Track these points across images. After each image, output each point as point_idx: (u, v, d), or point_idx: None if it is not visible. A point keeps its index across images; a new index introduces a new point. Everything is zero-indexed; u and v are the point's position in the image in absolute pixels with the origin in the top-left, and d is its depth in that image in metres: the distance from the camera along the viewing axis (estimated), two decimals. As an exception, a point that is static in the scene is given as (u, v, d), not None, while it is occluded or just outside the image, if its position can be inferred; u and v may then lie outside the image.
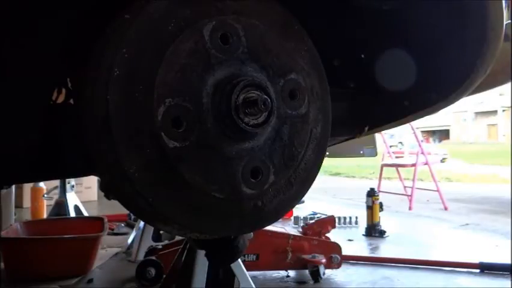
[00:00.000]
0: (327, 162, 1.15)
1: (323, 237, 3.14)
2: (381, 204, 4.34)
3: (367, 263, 3.36)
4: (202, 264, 1.87)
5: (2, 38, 0.86)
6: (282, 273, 3.05)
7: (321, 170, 1.06)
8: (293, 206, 1.07)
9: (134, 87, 0.82)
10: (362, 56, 1.25)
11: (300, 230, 3.38)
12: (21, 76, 0.90)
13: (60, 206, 4.46)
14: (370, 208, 4.33)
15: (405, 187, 6.47)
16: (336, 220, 3.53)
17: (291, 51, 0.99)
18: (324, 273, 2.89)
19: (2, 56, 0.87)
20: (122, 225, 4.50)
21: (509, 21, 1.41)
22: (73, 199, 4.57)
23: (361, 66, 1.26)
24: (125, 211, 3.96)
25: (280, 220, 1.26)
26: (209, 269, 1.88)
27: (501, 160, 12.00)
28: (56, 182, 4.63)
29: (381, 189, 5.98)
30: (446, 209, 5.91)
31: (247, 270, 2.02)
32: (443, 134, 37.63)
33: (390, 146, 7.55)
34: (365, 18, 1.16)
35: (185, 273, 1.93)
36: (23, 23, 0.86)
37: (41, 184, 4.96)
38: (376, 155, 4.67)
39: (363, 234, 4.32)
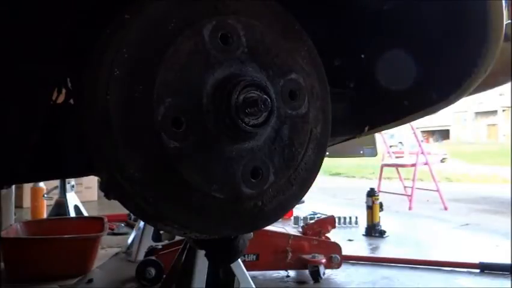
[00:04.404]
0: (327, 162, 1.14)
1: (323, 237, 3.14)
2: (381, 204, 4.34)
3: (367, 263, 3.36)
4: (202, 264, 1.87)
5: (2, 38, 0.86)
6: (282, 273, 3.05)
7: (321, 170, 1.06)
8: (293, 206, 1.07)
9: (134, 87, 0.82)
10: (362, 56, 1.25)
11: (300, 230, 3.38)
12: (22, 76, 0.90)
13: (60, 206, 4.46)
14: (370, 208, 4.33)
15: (405, 187, 6.47)
16: (336, 220, 3.53)
17: (291, 51, 0.99)
18: (324, 273, 2.89)
19: (2, 55, 0.87)
20: (122, 225, 4.50)
21: (509, 21, 1.41)
22: (73, 199, 4.57)
23: (361, 66, 1.26)
24: (125, 211, 3.96)
25: (280, 220, 1.26)
26: (209, 269, 1.88)
27: (501, 160, 12.01)
28: (56, 182, 4.63)
29: (381, 189, 5.98)
30: (446, 209, 5.91)
31: (247, 270, 2.02)
32: (443, 134, 37.61)
33: (390, 146, 7.55)
34: (365, 18, 1.16)
35: (185, 273, 1.93)
36: (23, 23, 0.86)
37: (41, 184, 4.96)
38: (376, 155, 4.67)
39: (363, 234, 4.32)
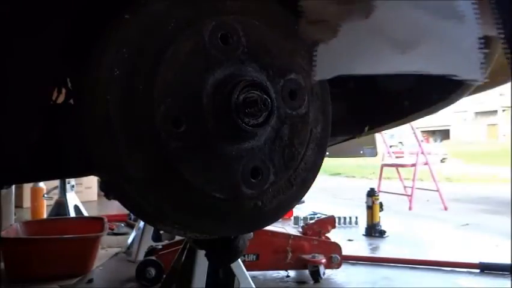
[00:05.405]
0: (327, 162, 1.14)
1: (323, 237, 3.14)
2: (381, 204, 4.34)
3: (367, 263, 3.36)
4: (202, 264, 1.87)
5: (2, 38, 0.86)
6: (282, 273, 3.05)
7: (321, 170, 1.06)
8: (293, 206, 1.07)
9: (134, 87, 0.82)
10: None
11: (300, 230, 3.38)
12: (22, 76, 0.90)
13: (60, 206, 4.46)
14: (370, 208, 4.33)
15: (405, 187, 6.48)
16: (336, 220, 3.53)
17: (291, 51, 0.99)
18: (324, 273, 2.89)
19: (2, 55, 0.87)
20: (122, 225, 4.50)
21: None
22: (72, 199, 4.58)
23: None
24: (125, 211, 3.96)
25: (280, 220, 1.26)
26: (209, 269, 1.88)
27: (501, 160, 12.01)
28: (56, 182, 4.63)
29: (381, 189, 5.98)
30: (446, 209, 5.91)
31: (247, 270, 2.02)
32: (443, 134, 37.59)
33: (390, 146, 7.55)
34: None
35: (185, 273, 1.93)
36: (23, 23, 0.86)
37: (41, 184, 4.96)
38: (376, 155, 4.67)
39: (363, 234, 4.32)
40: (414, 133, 6.40)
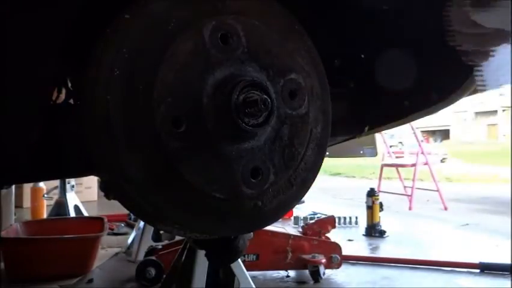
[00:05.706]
0: (327, 162, 1.14)
1: (323, 237, 3.14)
2: (381, 204, 4.34)
3: (367, 263, 3.36)
4: (202, 264, 1.87)
5: (2, 38, 0.86)
6: (282, 273, 3.05)
7: (321, 170, 1.06)
8: (293, 206, 1.07)
9: (134, 87, 0.82)
10: (362, 56, 1.25)
11: (300, 230, 3.38)
12: (22, 76, 0.90)
13: (60, 206, 4.46)
14: (370, 208, 4.33)
15: (405, 187, 6.47)
16: (336, 220, 3.53)
17: (291, 51, 0.99)
18: (324, 273, 2.89)
19: (2, 55, 0.87)
20: (122, 225, 4.50)
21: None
22: (73, 199, 4.57)
23: (361, 66, 1.26)
24: (125, 211, 3.96)
25: (280, 220, 1.25)
26: (209, 269, 1.88)
27: (501, 160, 12.00)
28: (56, 182, 4.63)
29: (381, 189, 5.98)
30: (446, 209, 5.91)
31: (247, 270, 2.02)
32: (443, 134, 37.58)
33: (390, 146, 7.54)
34: (365, 18, 1.16)
35: (185, 273, 1.93)
36: (23, 23, 0.86)
37: (41, 184, 4.96)
38: (376, 155, 4.67)
39: (363, 234, 4.32)
40: (414, 133, 6.40)
